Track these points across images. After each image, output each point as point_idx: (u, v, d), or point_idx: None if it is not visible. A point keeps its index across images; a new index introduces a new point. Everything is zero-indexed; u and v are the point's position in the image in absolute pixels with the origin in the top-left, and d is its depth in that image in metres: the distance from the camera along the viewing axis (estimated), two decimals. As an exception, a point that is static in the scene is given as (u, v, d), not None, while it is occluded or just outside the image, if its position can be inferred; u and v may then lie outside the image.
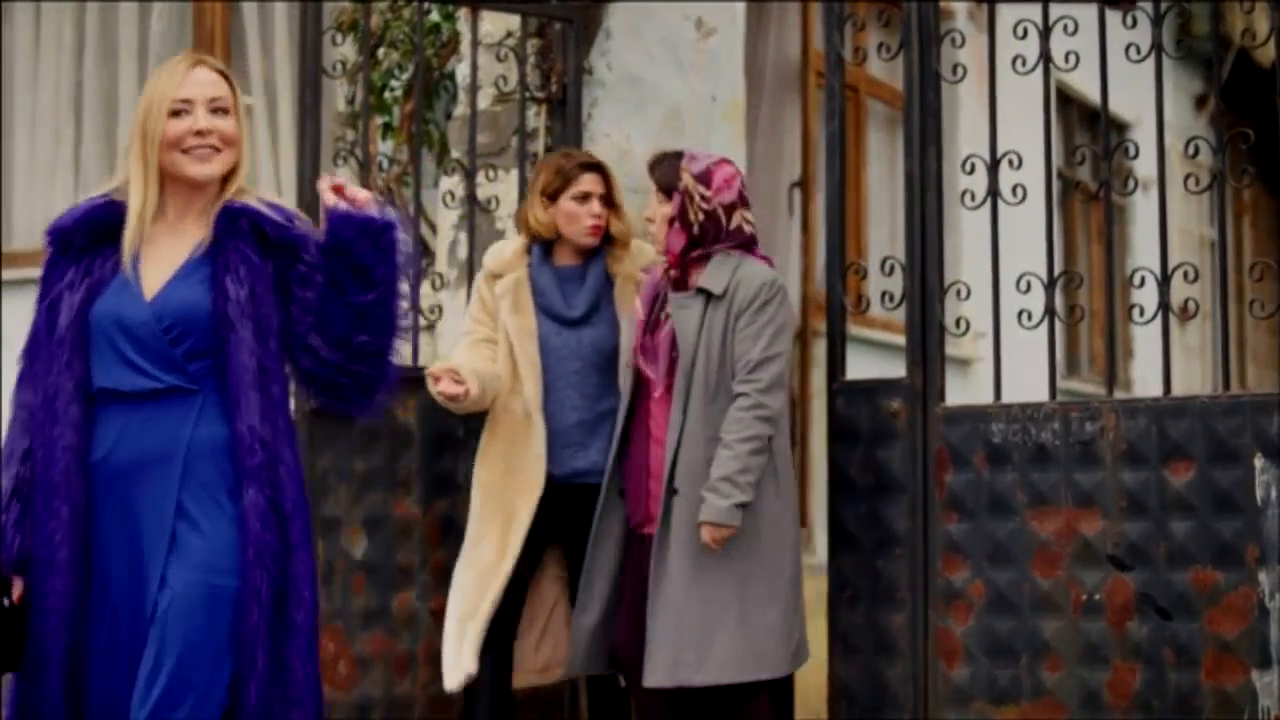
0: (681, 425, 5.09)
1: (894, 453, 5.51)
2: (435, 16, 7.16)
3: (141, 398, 3.78)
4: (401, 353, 4.07)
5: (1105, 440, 5.20)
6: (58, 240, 3.90)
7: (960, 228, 7.95)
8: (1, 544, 3.78)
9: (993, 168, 5.49)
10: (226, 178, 3.91)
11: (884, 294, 5.66)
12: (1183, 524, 5.07)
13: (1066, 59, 5.36)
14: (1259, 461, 4.99)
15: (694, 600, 5.03)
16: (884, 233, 9.62)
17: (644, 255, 5.61)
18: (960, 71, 5.65)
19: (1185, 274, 5.26)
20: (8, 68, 8.79)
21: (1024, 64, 5.42)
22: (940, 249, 5.57)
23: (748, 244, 5.26)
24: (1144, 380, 11.90)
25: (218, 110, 3.87)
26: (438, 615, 5.66)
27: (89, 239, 3.88)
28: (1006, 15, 5.55)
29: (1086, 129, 11.91)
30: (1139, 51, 5.34)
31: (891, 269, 5.61)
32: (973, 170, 5.53)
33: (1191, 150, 5.49)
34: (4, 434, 3.89)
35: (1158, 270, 5.27)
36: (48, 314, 3.86)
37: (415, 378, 5.51)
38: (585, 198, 5.52)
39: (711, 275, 5.16)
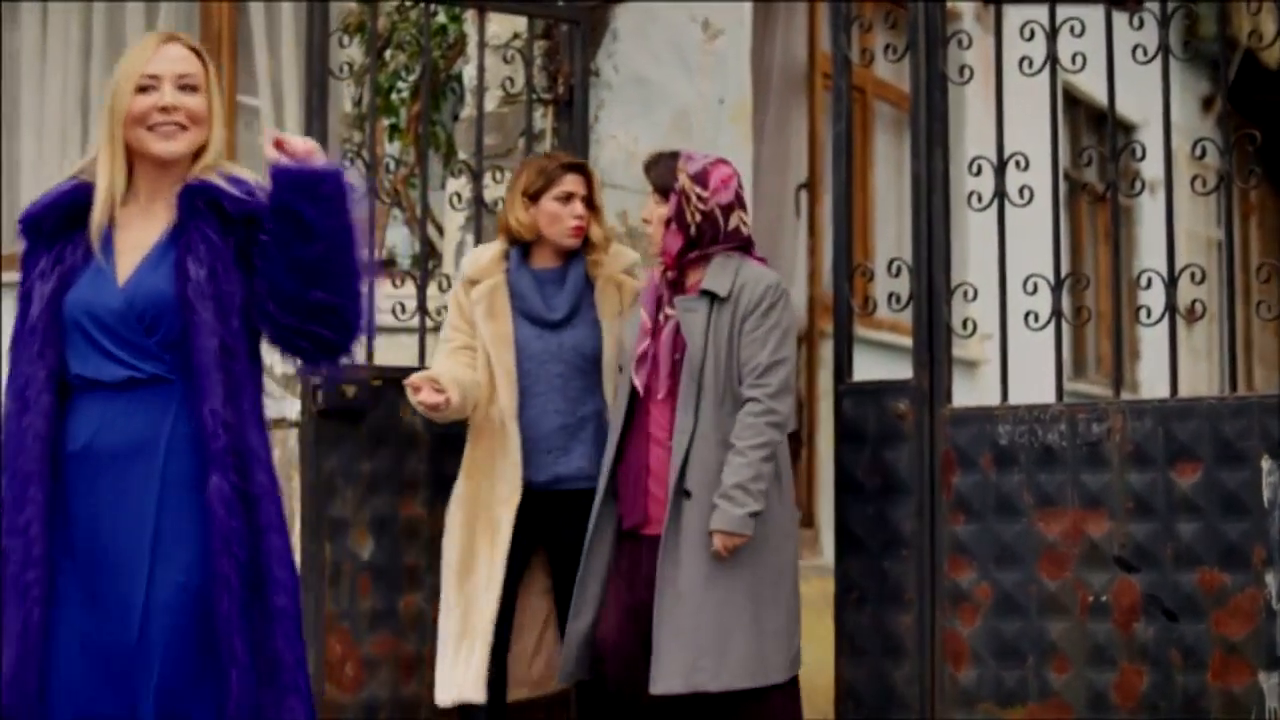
0: (693, 428, 5.06)
1: (901, 454, 5.51)
2: (442, 18, 7.16)
3: (120, 386, 3.68)
4: (371, 312, 3.86)
5: (1112, 442, 5.20)
6: (28, 228, 3.81)
7: (967, 229, 7.93)
8: None
9: (999, 169, 5.49)
10: (199, 158, 3.79)
11: (891, 295, 5.66)
12: (1189, 525, 5.07)
13: (1073, 60, 5.36)
14: (1266, 463, 4.99)
15: (708, 605, 5.00)
16: (891, 234, 9.61)
17: (623, 258, 5.59)
18: (967, 73, 5.65)
19: (1192, 275, 5.26)
20: (14, 69, 8.80)
21: (1031, 65, 5.42)
22: (947, 250, 5.57)
23: (745, 245, 5.25)
24: (1151, 382, 11.89)
25: (186, 87, 3.76)
26: (444, 616, 5.66)
27: (59, 224, 3.78)
28: (1013, 16, 5.55)
29: (1093, 130, 11.90)
30: (1146, 53, 5.34)
31: (898, 270, 5.61)
32: (979, 172, 5.53)
33: (1198, 151, 5.48)
34: None
35: (1164, 271, 5.26)
36: (22, 304, 3.77)
37: (422, 379, 5.50)
38: (568, 198, 5.48)
39: (714, 277, 5.14)
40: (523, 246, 5.54)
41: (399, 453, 5.80)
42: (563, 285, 5.51)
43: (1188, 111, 12.77)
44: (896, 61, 5.76)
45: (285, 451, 6.85)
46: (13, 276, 8.14)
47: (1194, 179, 5.49)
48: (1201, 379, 12.82)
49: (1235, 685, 4.99)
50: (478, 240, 6.22)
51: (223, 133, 3.80)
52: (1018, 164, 5.44)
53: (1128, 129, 10.75)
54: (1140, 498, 5.14)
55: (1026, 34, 5.44)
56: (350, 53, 6.89)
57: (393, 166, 7.04)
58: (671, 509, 5.05)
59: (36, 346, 3.71)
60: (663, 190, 5.23)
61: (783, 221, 8.86)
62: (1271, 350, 14.90)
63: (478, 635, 5.38)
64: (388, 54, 7.28)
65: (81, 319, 3.70)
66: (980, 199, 5.51)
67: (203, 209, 3.74)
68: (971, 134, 9.02)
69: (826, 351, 7.79)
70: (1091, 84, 10.11)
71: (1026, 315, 5.38)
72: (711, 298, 5.13)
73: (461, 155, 6.72)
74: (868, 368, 5.84)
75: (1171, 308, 5.25)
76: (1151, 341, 11.64)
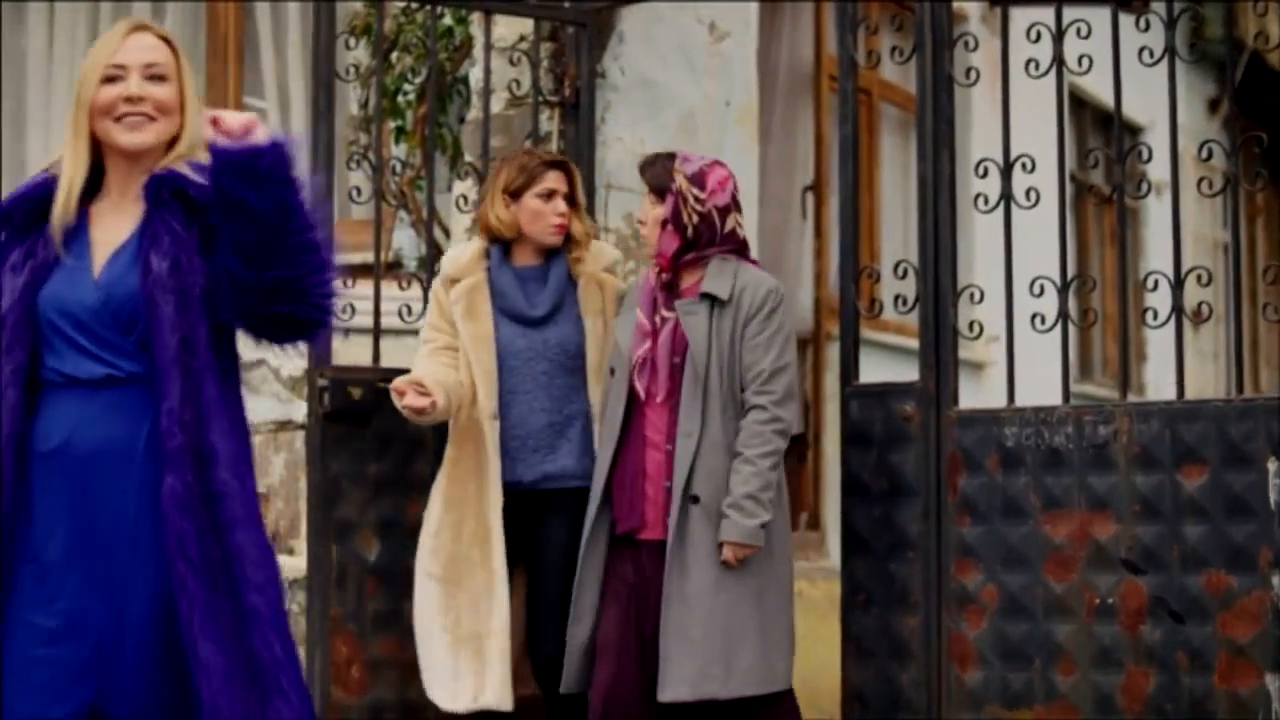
0: (700, 433, 5.04)
1: (907, 456, 5.50)
2: (448, 20, 7.17)
3: (98, 385, 3.57)
4: (339, 285, 3.66)
5: (1118, 444, 5.19)
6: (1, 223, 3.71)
7: (973, 231, 7.94)
8: None
9: (1006, 171, 5.48)
10: (172, 149, 3.67)
11: (897, 297, 5.65)
12: (1196, 528, 5.06)
13: (1080, 62, 5.36)
14: (1272, 465, 4.98)
15: (716, 613, 4.99)
16: (897, 236, 9.62)
17: (605, 256, 5.56)
18: (973, 75, 5.64)
19: (1199, 277, 5.25)
20: (21, 69, 8.80)
21: (1037, 67, 5.41)
22: (953, 252, 5.56)
23: (740, 249, 5.23)
24: (1157, 384, 11.89)
25: (154, 77, 3.65)
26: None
27: (29, 218, 3.68)
28: (1019, 19, 5.54)
29: (1100, 132, 11.90)
30: (1152, 55, 5.33)
31: (905, 272, 5.61)
32: (986, 174, 5.52)
33: (1205, 153, 5.47)
34: None
35: (1171, 273, 5.26)
36: None
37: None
38: (550, 195, 5.44)
39: (714, 280, 5.12)
40: (503, 244, 5.49)
41: (405, 455, 5.80)
42: (545, 283, 5.46)
43: (1194, 113, 12.77)
44: (903, 63, 5.76)
45: (292, 454, 6.86)
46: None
47: (1200, 181, 5.48)
48: (1208, 381, 12.81)
49: (1242, 688, 4.98)
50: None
51: (198, 122, 3.62)
52: (1024, 166, 5.43)
53: (1134, 131, 10.74)
54: (1147, 500, 5.13)
55: (1033, 36, 5.43)
56: (356, 55, 6.90)
57: (399, 169, 7.04)
58: (679, 515, 5.02)
59: (5, 341, 3.60)
60: (658, 191, 5.20)
61: (789, 223, 8.86)
62: (1278, 352, 14.89)
63: (492, 641, 5.34)
64: (394, 56, 7.29)
65: (56, 316, 3.60)
66: (986, 201, 5.51)
67: (168, 199, 3.63)
68: (978, 136, 9.03)
69: (833, 354, 7.78)
70: (1098, 86, 10.10)
71: (1033, 317, 5.38)
72: (712, 301, 5.11)
73: (468, 157, 6.73)
74: (874, 370, 5.83)
75: (1178, 310, 5.24)
76: (1158, 343, 11.63)
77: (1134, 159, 5.58)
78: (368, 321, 5.93)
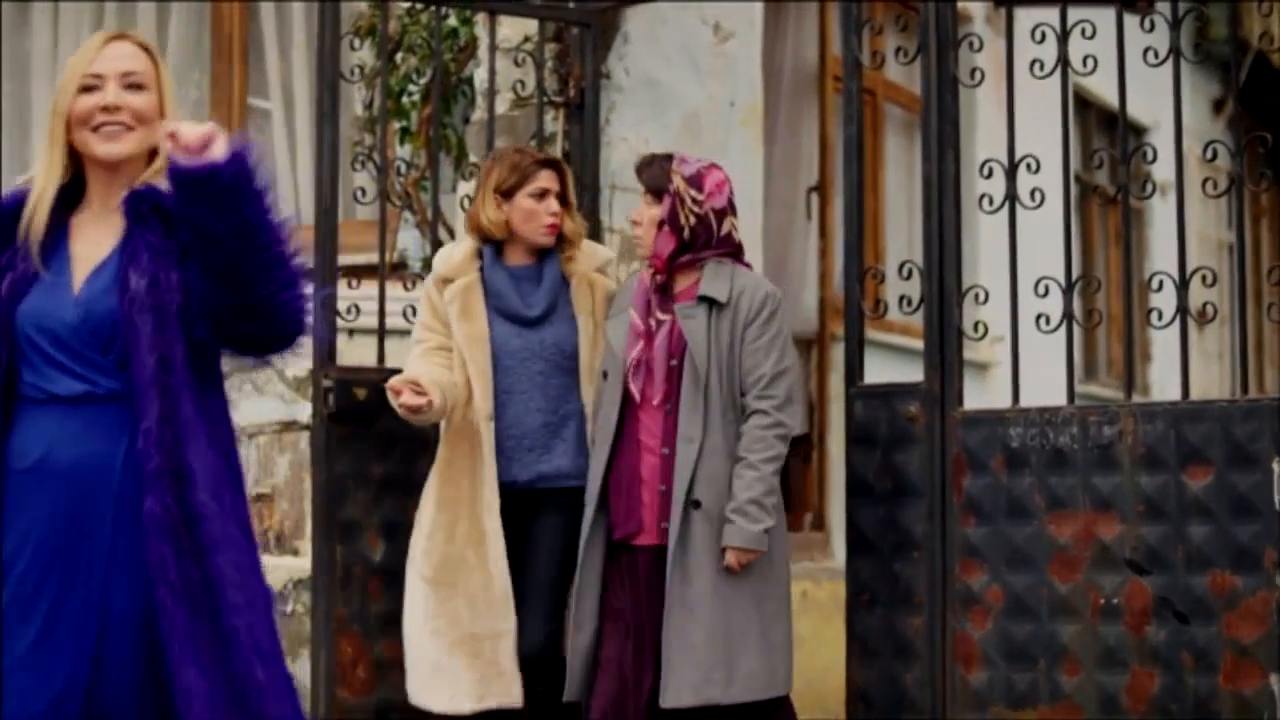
0: (702, 438, 5.02)
1: (912, 457, 5.50)
2: (453, 21, 7.17)
3: (76, 401, 3.51)
4: (307, 299, 3.56)
5: (1123, 444, 5.19)
6: None
7: (978, 232, 7.93)
8: None
9: (1010, 172, 5.48)
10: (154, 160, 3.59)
11: (902, 298, 5.65)
12: (1201, 528, 5.06)
13: (1084, 63, 5.35)
14: (1277, 465, 4.98)
15: (718, 618, 4.98)
16: (902, 237, 9.61)
17: (597, 255, 5.54)
18: (978, 75, 5.64)
19: (1203, 278, 5.25)
20: (25, 71, 8.82)
21: (1042, 68, 5.41)
22: (958, 253, 5.56)
23: (736, 252, 5.22)
24: (1162, 384, 11.89)
25: (132, 86, 3.58)
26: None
27: (7, 229, 3.59)
28: (1024, 19, 5.54)
29: (1104, 133, 11.89)
30: (1157, 55, 5.33)
31: (909, 273, 5.61)
32: (990, 174, 5.52)
33: (1209, 154, 5.48)
34: None
35: (1175, 274, 5.26)
36: None
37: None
38: (542, 195, 5.39)
39: (711, 283, 5.11)
40: (495, 244, 5.46)
41: (410, 456, 5.80)
42: (539, 282, 5.42)
43: (1199, 114, 12.77)
44: (907, 64, 5.76)
45: (297, 454, 6.86)
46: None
47: (1205, 181, 5.48)
48: (1213, 381, 12.80)
49: (1246, 688, 4.98)
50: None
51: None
52: (1029, 166, 5.43)
53: (1139, 131, 10.74)
54: (1151, 500, 5.13)
55: (1038, 36, 5.43)
56: (361, 55, 6.91)
57: (404, 169, 7.04)
58: (680, 520, 5.00)
59: None
60: (655, 192, 5.17)
61: (793, 224, 8.86)
62: (1283, 353, 14.89)
63: (503, 641, 5.32)
64: (399, 57, 7.29)
65: (34, 332, 3.54)
66: (991, 201, 5.51)
67: (148, 214, 3.55)
68: (982, 136, 9.02)
69: (837, 354, 7.78)
70: (1103, 86, 10.09)
71: (1038, 318, 5.37)
72: (710, 304, 5.10)
73: (472, 158, 6.72)
74: (879, 370, 5.83)
75: (1182, 310, 5.24)
76: (1162, 344, 11.64)
77: (1139, 159, 5.58)
78: (372, 322, 5.94)
